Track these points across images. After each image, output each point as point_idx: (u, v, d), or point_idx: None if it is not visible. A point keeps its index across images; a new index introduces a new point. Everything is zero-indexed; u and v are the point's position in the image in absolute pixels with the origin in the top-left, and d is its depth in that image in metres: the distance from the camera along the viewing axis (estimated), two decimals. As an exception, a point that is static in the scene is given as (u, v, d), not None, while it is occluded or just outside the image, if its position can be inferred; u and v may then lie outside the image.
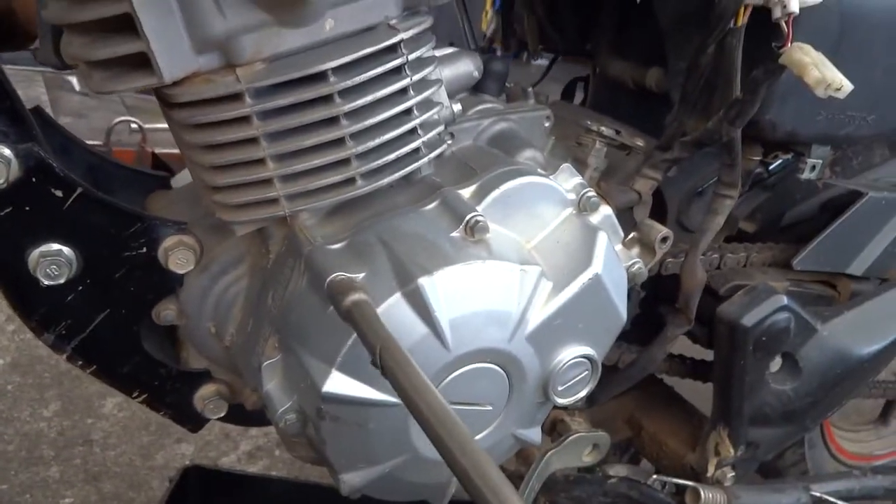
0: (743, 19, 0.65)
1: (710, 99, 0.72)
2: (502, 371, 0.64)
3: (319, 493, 1.21)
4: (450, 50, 0.69)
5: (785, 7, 0.63)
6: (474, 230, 0.61)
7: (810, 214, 1.02)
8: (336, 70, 0.57)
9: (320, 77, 0.57)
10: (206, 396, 0.74)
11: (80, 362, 0.68)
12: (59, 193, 0.60)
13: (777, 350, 0.83)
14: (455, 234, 0.61)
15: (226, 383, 0.75)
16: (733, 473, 0.90)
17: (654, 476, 0.90)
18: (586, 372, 0.68)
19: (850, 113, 0.77)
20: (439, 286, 0.58)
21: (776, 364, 0.86)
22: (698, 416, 0.99)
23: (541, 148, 0.75)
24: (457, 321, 0.59)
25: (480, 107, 0.75)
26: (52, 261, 0.62)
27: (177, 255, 0.66)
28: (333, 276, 0.57)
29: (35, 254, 0.61)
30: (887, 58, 0.76)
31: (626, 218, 0.78)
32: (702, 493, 0.85)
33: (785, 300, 0.81)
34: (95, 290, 0.65)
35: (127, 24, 0.50)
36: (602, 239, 0.66)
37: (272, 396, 0.62)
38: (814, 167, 0.82)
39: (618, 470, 0.88)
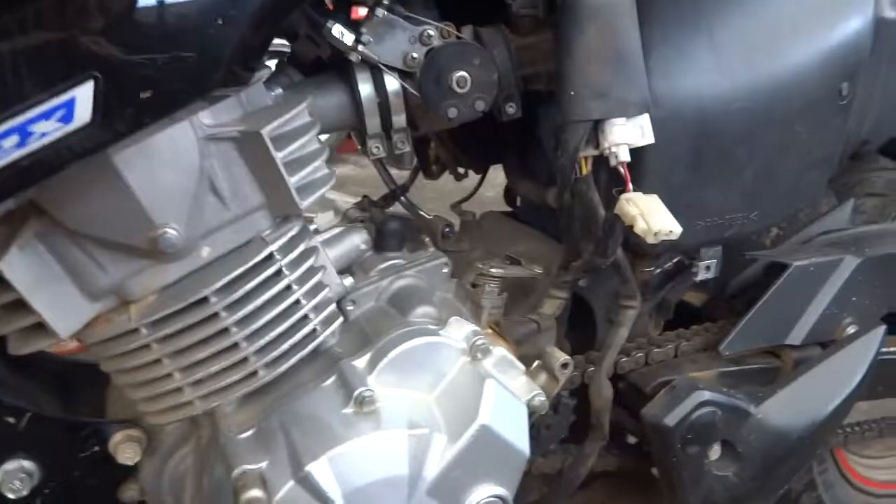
0: (587, 169, 0.71)
1: (587, 230, 0.78)
2: (412, 527, 0.70)
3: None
4: (335, 231, 0.77)
5: (617, 157, 0.68)
6: (363, 404, 0.68)
7: (755, 280, 1.04)
8: (217, 292, 0.65)
9: (203, 301, 0.65)
10: (179, 559, 0.83)
11: (59, 552, 0.78)
12: (11, 419, 0.71)
13: (709, 441, 0.86)
14: (347, 409, 0.69)
15: (196, 543, 0.84)
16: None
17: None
18: (497, 508, 0.73)
19: (728, 216, 0.81)
20: (327, 468, 0.65)
21: (716, 451, 0.89)
22: (668, 497, 1.02)
23: (443, 293, 0.82)
24: (351, 495, 0.66)
25: (382, 265, 0.82)
26: (15, 476, 0.72)
27: (124, 448, 0.76)
28: (237, 470, 0.65)
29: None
30: (753, 162, 0.79)
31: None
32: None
33: (706, 395, 0.84)
34: (59, 491, 0.75)
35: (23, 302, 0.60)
36: (489, 388, 0.71)
37: (213, 571, 0.70)
38: (708, 267, 0.85)
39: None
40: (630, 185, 0.69)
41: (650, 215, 0.64)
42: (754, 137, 0.78)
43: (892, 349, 1.03)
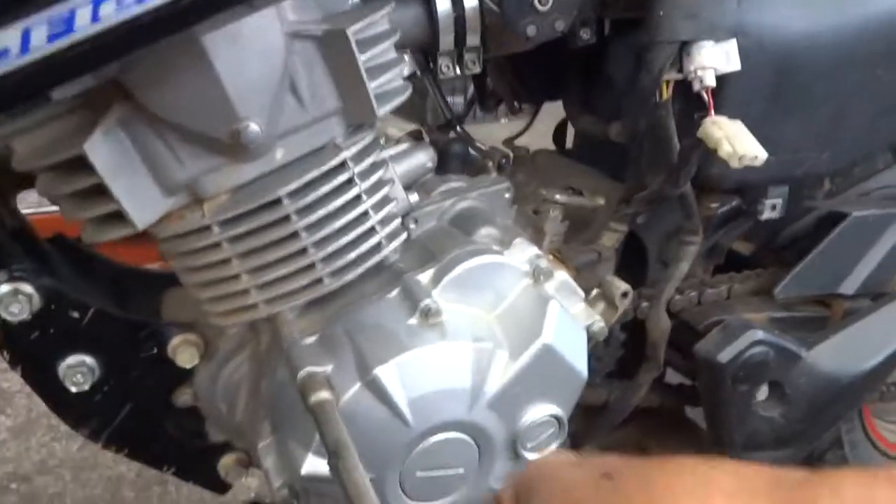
0: (667, 94, 0.69)
1: (657, 160, 0.77)
2: (468, 438, 0.70)
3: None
4: (403, 147, 0.76)
5: (702, 81, 0.67)
6: (428, 315, 0.68)
7: (806, 232, 1.03)
8: (290, 194, 0.65)
9: (276, 203, 0.65)
10: (227, 465, 0.84)
11: (114, 448, 0.79)
12: (76, 314, 0.71)
13: (759, 381, 0.86)
14: (412, 320, 0.69)
15: (244, 452, 0.85)
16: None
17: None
18: (553, 429, 0.74)
19: (801, 154, 0.79)
20: (395, 373, 0.65)
21: (763, 392, 0.89)
22: (705, 440, 1.03)
23: (504, 219, 0.81)
24: (415, 401, 0.66)
25: (444, 187, 0.81)
26: (77, 371, 0.73)
27: (183, 351, 0.76)
28: (303, 372, 0.65)
29: (63, 366, 0.72)
30: (831, 101, 0.78)
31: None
32: None
33: (759, 334, 0.84)
34: (117, 389, 0.76)
35: (103, 189, 0.59)
36: (553, 309, 0.71)
37: (269, 473, 0.71)
38: (774, 207, 0.84)
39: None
40: (712, 111, 0.68)
41: (736, 139, 0.63)
42: (834, 76, 0.76)
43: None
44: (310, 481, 0.66)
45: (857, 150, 0.86)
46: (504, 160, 0.95)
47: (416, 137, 0.99)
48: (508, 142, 1.07)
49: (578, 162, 1.04)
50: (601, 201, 0.84)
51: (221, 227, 0.65)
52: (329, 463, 0.55)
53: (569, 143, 1.15)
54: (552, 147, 1.14)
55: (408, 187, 0.77)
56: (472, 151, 0.87)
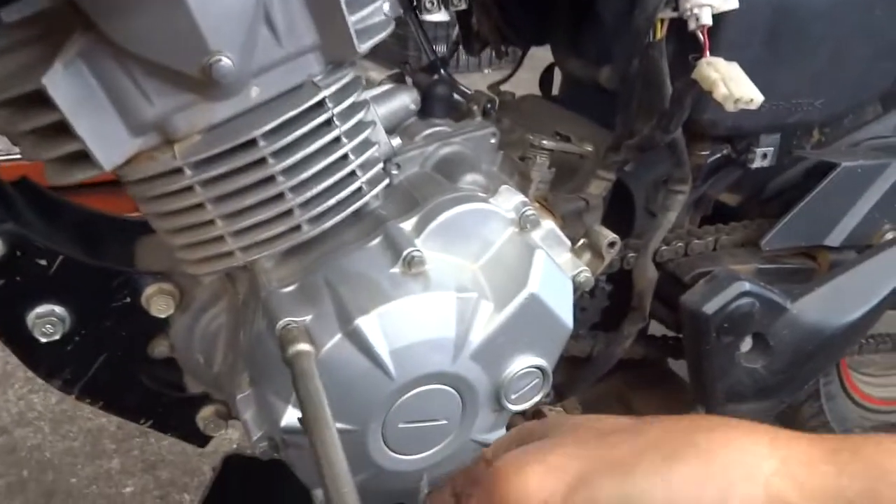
0: (662, 33, 0.66)
1: (649, 104, 0.74)
2: (452, 389, 0.69)
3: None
4: (384, 88, 0.73)
5: (698, 19, 0.64)
6: (411, 265, 0.66)
7: (794, 183, 1.01)
8: (265, 135, 0.62)
9: (251, 144, 0.62)
10: (206, 417, 0.83)
11: (88, 400, 0.77)
12: (43, 262, 0.68)
13: (743, 333, 0.86)
14: (394, 269, 0.66)
15: (224, 403, 0.83)
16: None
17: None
18: (537, 380, 0.72)
19: (795, 101, 0.77)
20: (377, 323, 0.63)
21: (747, 344, 0.88)
22: (686, 393, 1.03)
23: (489, 165, 0.79)
24: (398, 352, 0.64)
25: (427, 131, 0.78)
26: (47, 320, 0.70)
27: (157, 301, 0.74)
28: (281, 323, 0.63)
29: (32, 316, 0.70)
30: (828, 43, 0.75)
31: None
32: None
33: (746, 286, 0.83)
34: (90, 339, 0.73)
35: (65, 126, 0.56)
36: (539, 258, 0.69)
37: (248, 426, 0.70)
38: (765, 155, 0.82)
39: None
40: (708, 52, 0.65)
41: (732, 81, 0.61)
42: (833, 16, 0.74)
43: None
44: (290, 434, 0.65)
45: (852, 96, 0.84)
46: (489, 104, 0.91)
47: (397, 80, 0.95)
48: (493, 87, 1.04)
49: (565, 108, 1.01)
50: (589, 148, 0.82)
51: (194, 169, 0.62)
52: (299, 419, 0.54)
53: (555, 89, 1.12)
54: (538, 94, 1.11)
55: (390, 131, 0.74)
56: (456, 95, 0.84)
